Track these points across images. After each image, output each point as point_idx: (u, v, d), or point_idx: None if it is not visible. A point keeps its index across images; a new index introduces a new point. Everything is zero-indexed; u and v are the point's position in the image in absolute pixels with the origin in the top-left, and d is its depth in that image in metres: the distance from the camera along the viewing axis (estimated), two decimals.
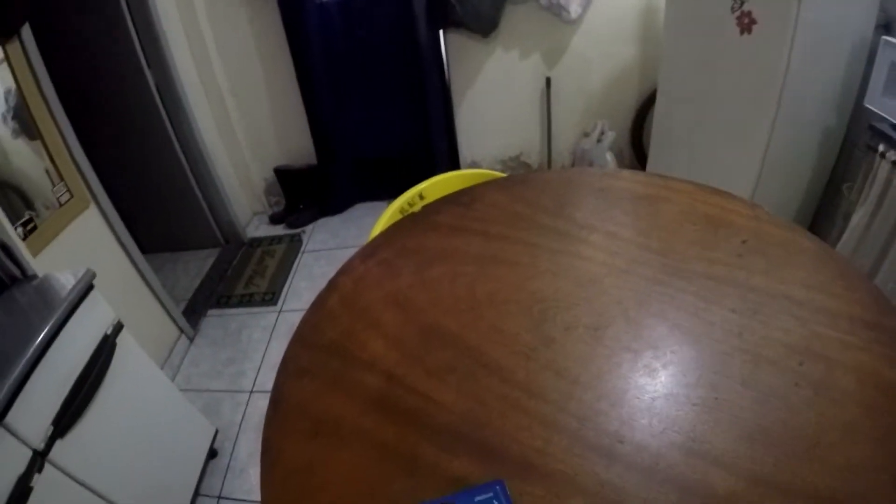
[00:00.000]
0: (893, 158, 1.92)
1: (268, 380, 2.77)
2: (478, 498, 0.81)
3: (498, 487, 0.81)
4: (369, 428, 0.93)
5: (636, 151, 3.80)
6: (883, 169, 1.98)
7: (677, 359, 0.97)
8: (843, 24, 2.11)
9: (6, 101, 2.16)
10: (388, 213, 1.68)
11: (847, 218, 2.19)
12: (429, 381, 0.98)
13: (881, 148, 1.97)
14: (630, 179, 1.59)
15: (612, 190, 1.53)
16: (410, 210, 1.70)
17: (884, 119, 1.99)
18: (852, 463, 0.78)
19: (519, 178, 1.66)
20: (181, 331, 3.09)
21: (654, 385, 0.92)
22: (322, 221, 4.06)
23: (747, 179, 2.42)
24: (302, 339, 1.16)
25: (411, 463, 0.87)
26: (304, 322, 1.19)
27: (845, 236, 2.18)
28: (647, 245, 1.26)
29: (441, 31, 3.42)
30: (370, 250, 1.37)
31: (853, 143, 2.34)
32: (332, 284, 1.27)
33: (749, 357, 0.95)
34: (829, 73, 2.21)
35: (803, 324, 1.00)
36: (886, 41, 1.92)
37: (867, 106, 2.05)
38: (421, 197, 1.77)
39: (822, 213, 2.59)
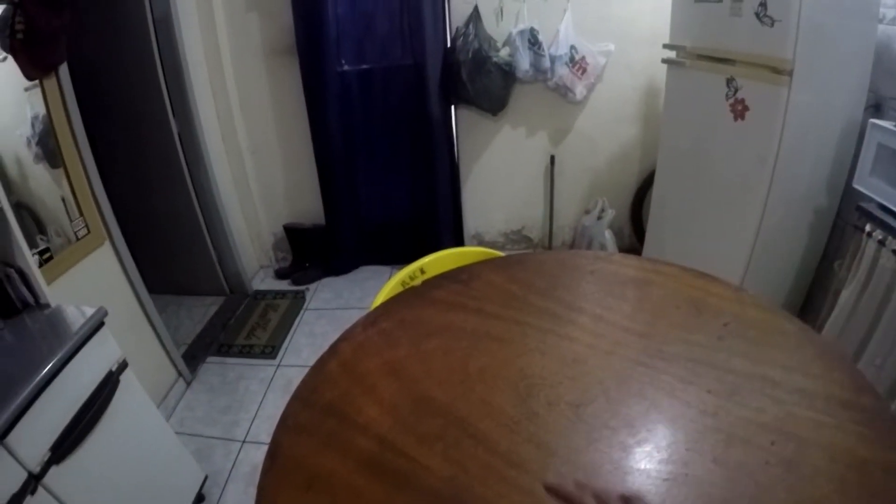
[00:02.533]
0: (880, 238, 1.98)
1: (261, 431, 2.80)
2: None
3: None
4: (360, 486, 0.99)
5: (635, 228, 3.90)
6: (870, 248, 2.03)
7: (652, 436, 1.03)
8: (833, 107, 2.22)
9: (33, 126, 2.23)
10: (391, 285, 1.76)
11: (838, 295, 2.24)
12: (418, 446, 1.04)
13: (868, 228, 2.03)
14: (621, 263, 1.68)
15: (603, 273, 1.61)
16: (411, 283, 1.78)
17: (871, 199, 2.06)
18: None
19: (515, 258, 1.74)
20: (179, 374, 3.12)
21: (628, 460, 0.98)
22: (326, 280, 4.12)
23: (740, 258, 2.49)
24: (301, 398, 1.22)
25: None
26: (305, 382, 1.25)
27: (835, 313, 2.22)
28: (631, 328, 1.33)
29: (453, 107, 3.59)
30: (371, 319, 1.44)
31: (844, 221, 2.41)
32: (333, 349, 1.34)
33: (722, 436, 1.01)
34: (819, 154, 2.31)
35: (778, 404, 1.06)
36: (874, 123, 2.01)
37: (855, 188, 2.13)
38: (422, 271, 1.85)
39: (815, 290, 2.64)
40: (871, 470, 0.93)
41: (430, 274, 1.77)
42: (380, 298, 1.66)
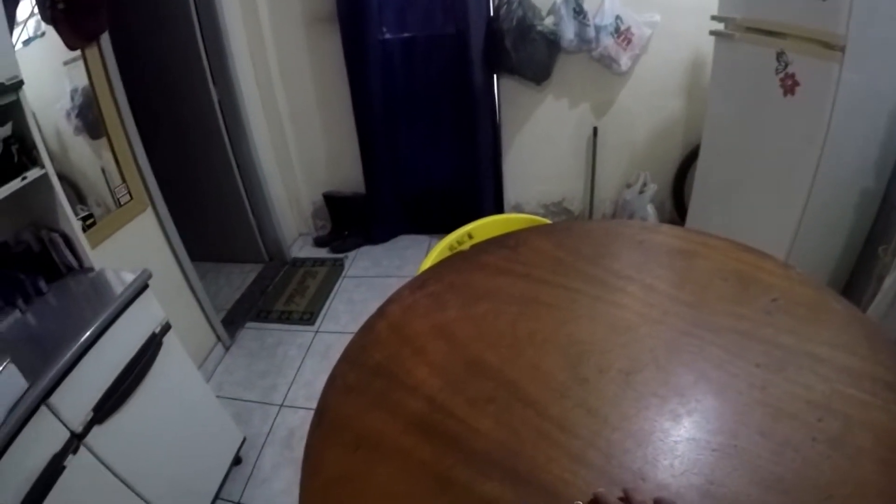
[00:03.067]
0: None
1: (298, 396, 2.84)
2: None
3: None
4: (408, 446, 0.99)
5: (677, 205, 3.84)
6: None
7: (701, 406, 1.01)
8: (885, 86, 2.15)
9: (72, 98, 2.27)
10: (438, 249, 1.76)
11: (881, 280, 2.20)
12: (468, 408, 1.04)
13: None
14: (668, 234, 1.65)
15: (650, 243, 1.58)
16: (459, 248, 1.77)
17: None
18: None
19: (562, 225, 1.73)
20: (219, 339, 3.18)
21: (678, 429, 0.97)
22: (365, 249, 4.14)
23: (784, 237, 2.44)
24: (350, 359, 1.22)
25: (445, 483, 0.93)
26: (353, 343, 1.26)
27: (878, 298, 2.18)
28: (680, 298, 1.31)
29: (496, 76, 3.54)
30: (420, 282, 1.44)
31: (892, 204, 2.36)
32: (382, 311, 1.34)
33: (770, 409, 0.99)
34: (868, 134, 2.24)
35: (825, 381, 1.04)
36: None
37: None
38: (470, 236, 1.84)
39: (858, 274, 2.58)
40: None
41: (477, 239, 1.76)
42: (428, 262, 1.66)
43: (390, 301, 1.37)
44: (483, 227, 1.86)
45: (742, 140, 2.70)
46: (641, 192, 3.61)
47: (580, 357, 1.14)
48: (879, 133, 2.24)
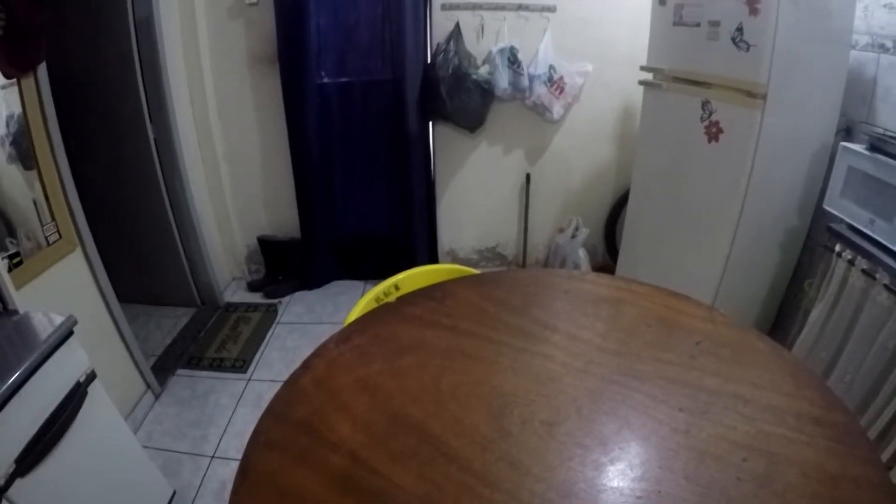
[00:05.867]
0: (849, 258, 2.04)
1: (230, 447, 2.76)
2: None
3: None
4: None
5: (609, 248, 3.93)
6: (840, 267, 2.10)
7: (625, 454, 1.03)
8: (805, 130, 2.28)
9: (7, 125, 2.18)
10: (364, 301, 1.75)
11: (808, 314, 2.29)
12: (391, 464, 1.04)
13: (838, 248, 2.10)
14: (593, 282, 1.70)
15: (577, 292, 1.62)
16: (386, 300, 1.77)
17: (841, 220, 2.11)
18: None
19: (490, 276, 1.75)
20: (148, 386, 3.07)
21: (602, 478, 0.99)
22: (299, 294, 4.08)
23: (713, 277, 2.53)
24: (274, 414, 1.21)
25: None
26: (278, 398, 1.24)
27: (805, 331, 2.27)
28: (604, 346, 1.35)
29: (431, 123, 3.60)
30: (345, 335, 1.44)
31: (815, 241, 2.47)
32: (307, 364, 1.33)
33: (694, 453, 1.02)
34: (791, 176, 2.36)
35: (750, 421, 1.08)
36: (844, 147, 2.07)
37: (826, 208, 2.19)
38: (396, 287, 1.85)
39: (786, 308, 2.70)
40: (841, 484, 0.95)
41: (404, 290, 1.77)
42: (354, 314, 1.65)
43: (315, 355, 1.36)
44: (410, 279, 1.87)
45: (670, 185, 2.80)
46: (574, 236, 3.68)
47: (503, 409, 1.15)
48: (802, 174, 2.36)
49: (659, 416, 1.12)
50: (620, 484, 0.98)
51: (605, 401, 1.17)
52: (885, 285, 1.90)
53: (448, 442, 1.08)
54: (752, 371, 1.23)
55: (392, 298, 1.68)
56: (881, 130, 2.09)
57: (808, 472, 0.97)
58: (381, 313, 1.57)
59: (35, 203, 2.31)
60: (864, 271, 1.99)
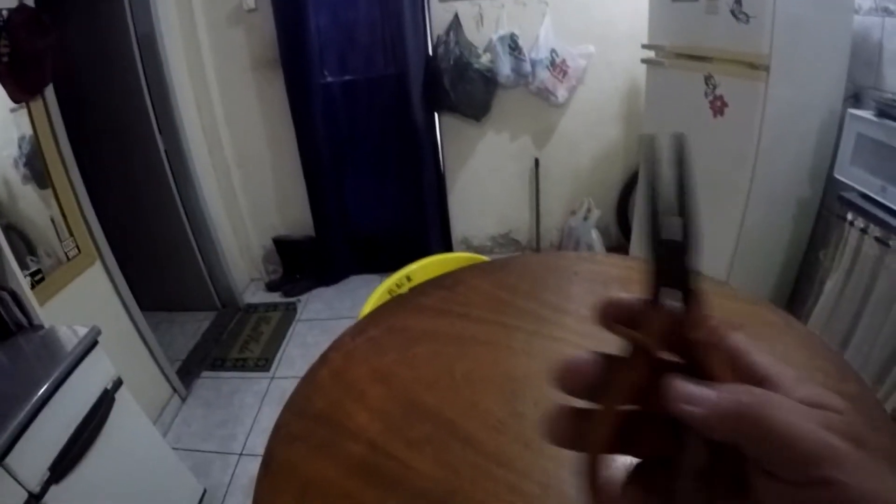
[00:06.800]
0: (862, 226, 2.03)
1: (257, 444, 2.82)
2: None
3: None
4: (352, 491, 1.01)
5: (622, 227, 3.94)
6: (853, 236, 2.09)
7: None
8: (811, 99, 2.25)
9: (20, 146, 2.24)
10: (377, 294, 1.78)
11: (823, 284, 2.29)
12: (408, 450, 1.06)
13: (850, 216, 2.09)
14: (602, 262, 1.71)
15: (587, 273, 1.64)
16: (398, 291, 1.80)
17: (852, 188, 2.10)
18: None
19: (500, 263, 1.76)
20: (174, 390, 3.13)
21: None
22: (317, 292, 4.14)
23: (726, 251, 2.52)
24: (293, 408, 1.24)
25: None
26: (296, 392, 1.27)
27: (821, 302, 2.26)
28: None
29: (437, 115, 3.62)
30: (359, 328, 1.46)
31: (828, 211, 2.45)
32: (324, 358, 1.36)
33: None
34: (799, 146, 2.34)
35: None
36: (852, 114, 2.06)
37: (836, 177, 2.18)
38: (408, 279, 1.87)
39: (802, 281, 2.68)
40: None
41: (416, 281, 1.80)
42: (367, 307, 1.68)
43: (332, 348, 1.39)
44: (422, 269, 1.90)
45: None
46: (586, 218, 3.69)
47: (516, 393, 1.17)
48: (810, 143, 2.34)
49: None
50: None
51: None
52: None
53: (463, 426, 1.10)
54: (764, 343, 1.21)
55: (404, 290, 1.70)
56: (889, 96, 2.06)
57: None
58: (393, 305, 1.59)
59: (52, 220, 2.37)
60: (877, 239, 1.98)
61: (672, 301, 0.34)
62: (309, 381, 1.30)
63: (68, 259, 2.42)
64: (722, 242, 2.55)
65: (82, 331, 1.90)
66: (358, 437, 1.11)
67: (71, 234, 2.45)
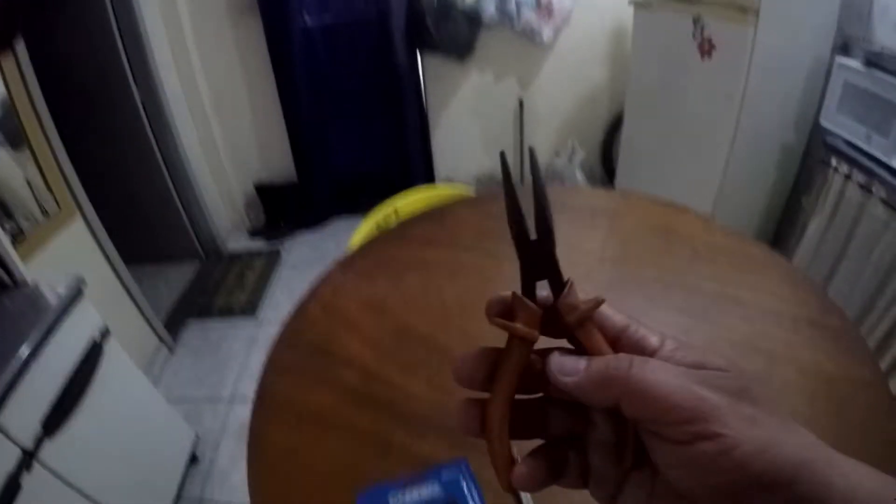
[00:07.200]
0: (846, 172, 2.04)
1: (248, 389, 2.82)
2: (445, 474, 0.91)
3: (463, 465, 0.91)
4: (349, 417, 1.02)
5: (606, 169, 3.93)
6: (836, 182, 2.10)
7: None
8: (799, 46, 2.24)
9: None
10: (365, 228, 1.77)
11: (806, 229, 2.31)
12: (402, 375, 1.07)
13: (834, 162, 2.10)
14: (589, 195, 1.71)
15: (574, 205, 1.63)
16: (386, 225, 1.79)
17: (838, 136, 2.10)
18: None
19: (488, 195, 1.75)
20: (162, 341, 3.13)
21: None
22: (301, 236, 4.10)
23: (709, 194, 2.53)
24: (285, 341, 1.24)
25: (386, 446, 0.96)
26: (287, 326, 1.27)
27: (803, 244, 2.29)
28: (603, 255, 1.37)
29: (420, 56, 3.55)
30: (348, 262, 1.46)
31: (813, 157, 2.45)
32: (313, 292, 1.36)
33: None
34: (786, 92, 2.33)
35: (748, 322, 1.10)
36: (840, 62, 2.05)
37: (822, 124, 2.18)
38: (396, 213, 1.86)
39: (784, 224, 2.70)
40: (839, 385, 0.97)
41: (403, 215, 1.79)
42: (356, 241, 1.67)
43: (321, 282, 1.38)
44: (409, 204, 1.88)
45: (664, 103, 2.79)
46: (570, 159, 3.67)
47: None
48: (797, 90, 2.33)
49: (658, 317, 1.14)
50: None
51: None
52: (881, 199, 1.91)
53: (455, 351, 1.10)
54: (749, 276, 1.24)
55: (392, 223, 1.69)
56: (878, 47, 2.06)
57: (806, 371, 0.99)
58: (382, 238, 1.58)
59: (30, 183, 2.31)
60: (860, 185, 2.00)
61: (543, 292, 0.38)
62: (299, 315, 1.29)
63: (48, 216, 2.37)
64: (705, 185, 2.55)
65: (67, 282, 1.87)
66: (351, 365, 1.12)
67: (50, 191, 2.40)
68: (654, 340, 0.35)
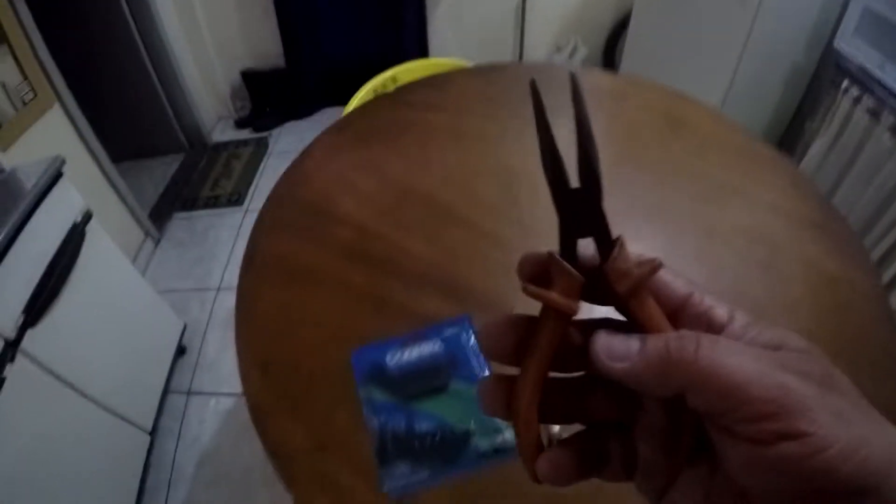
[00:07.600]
0: (855, 95, 1.99)
1: (235, 277, 2.77)
2: (447, 330, 0.87)
3: (465, 321, 0.87)
4: (342, 273, 0.98)
5: (608, 69, 3.82)
6: (845, 104, 2.05)
7: (630, 228, 1.01)
8: None
9: None
10: (361, 93, 1.69)
11: (808, 148, 2.28)
12: (399, 232, 1.03)
13: (844, 84, 2.04)
14: (598, 76, 1.64)
15: (582, 83, 1.56)
16: (384, 91, 1.71)
17: (851, 61, 2.03)
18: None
19: (491, 67, 1.67)
20: (147, 233, 3.07)
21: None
22: (289, 125, 3.98)
23: (713, 105, 2.46)
24: (277, 198, 1.19)
25: (381, 303, 0.92)
26: (279, 184, 1.22)
27: (803, 163, 2.26)
28: (610, 132, 1.33)
29: None
30: (344, 123, 1.40)
31: (821, 82, 2.39)
32: (307, 152, 1.30)
33: (701, 234, 1.02)
34: (802, 11, 2.24)
35: (754, 212, 1.07)
36: None
37: (836, 47, 2.10)
38: (394, 80, 1.78)
39: (784, 145, 2.65)
40: (839, 284, 0.95)
41: (402, 82, 1.70)
42: (351, 106, 1.59)
43: (315, 142, 1.32)
44: (408, 72, 1.80)
45: (675, 5, 2.68)
46: (571, 56, 3.58)
47: (511, 182, 1.13)
48: (814, 9, 2.24)
49: (665, 197, 1.11)
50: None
51: (613, 180, 1.13)
52: (888, 127, 1.86)
53: (458, 209, 1.07)
54: (756, 172, 1.20)
55: (390, 89, 1.61)
56: None
57: (808, 267, 0.97)
58: (379, 101, 1.52)
59: (4, 85, 2.19)
60: (868, 110, 1.95)
61: (588, 252, 0.30)
62: (292, 174, 1.24)
63: (24, 104, 2.26)
64: (711, 96, 2.47)
65: (45, 162, 1.77)
66: (345, 223, 1.07)
67: (25, 78, 2.28)
68: (721, 313, 0.28)
